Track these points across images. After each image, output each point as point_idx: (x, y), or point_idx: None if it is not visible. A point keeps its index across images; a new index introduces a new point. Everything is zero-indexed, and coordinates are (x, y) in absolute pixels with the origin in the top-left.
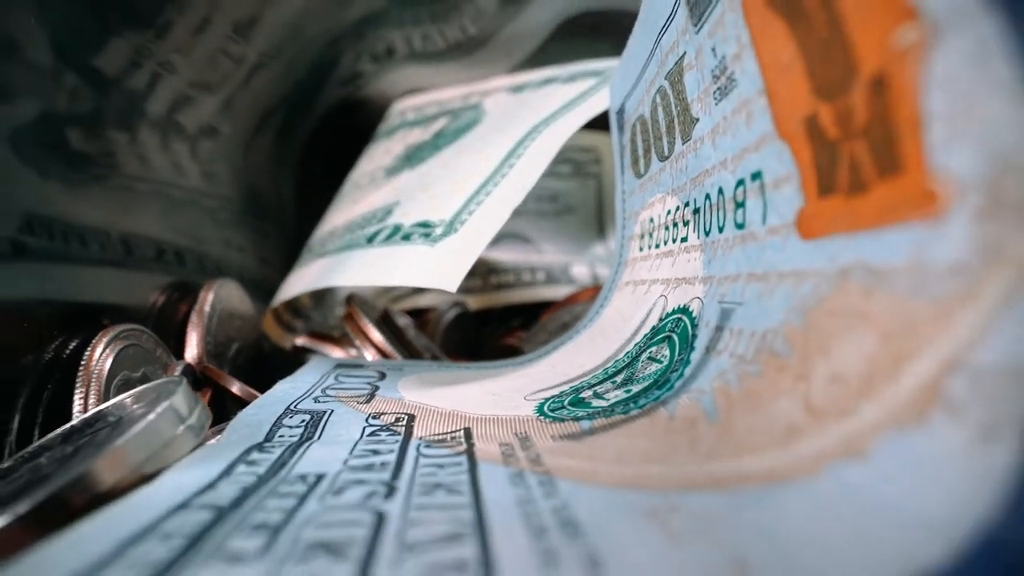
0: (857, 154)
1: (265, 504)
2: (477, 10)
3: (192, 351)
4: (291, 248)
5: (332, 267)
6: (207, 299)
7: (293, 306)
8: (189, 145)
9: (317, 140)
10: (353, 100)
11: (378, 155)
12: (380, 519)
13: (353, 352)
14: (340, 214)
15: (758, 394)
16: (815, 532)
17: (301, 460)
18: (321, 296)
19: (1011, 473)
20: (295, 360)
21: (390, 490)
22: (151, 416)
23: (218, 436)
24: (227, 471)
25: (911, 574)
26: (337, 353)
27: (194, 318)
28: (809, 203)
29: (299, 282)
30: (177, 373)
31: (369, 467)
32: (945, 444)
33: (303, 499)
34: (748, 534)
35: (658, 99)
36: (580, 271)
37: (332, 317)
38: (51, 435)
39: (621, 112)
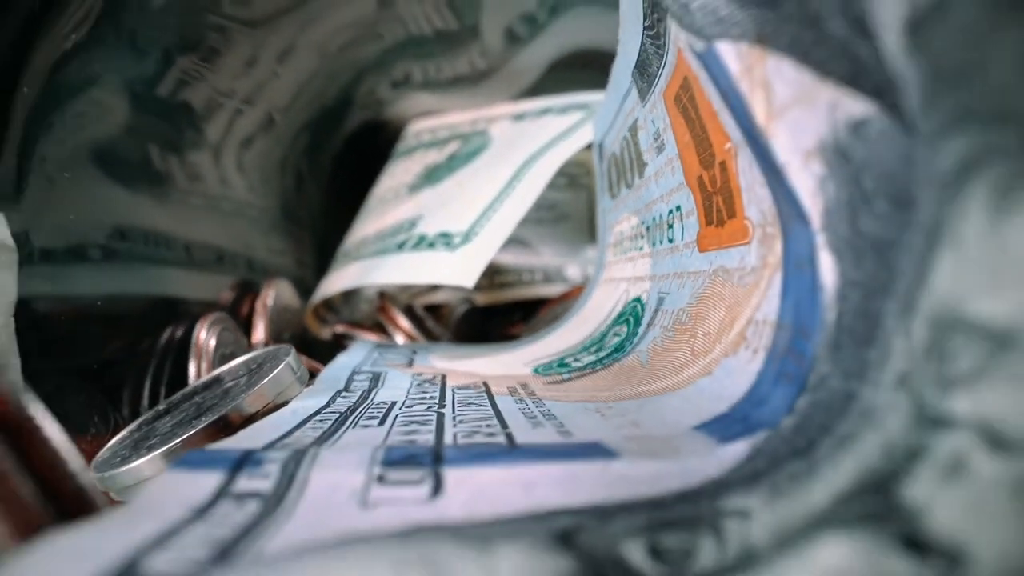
0: (719, 203)
1: (367, 411)
2: (484, 48)
3: (259, 335)
4: (321, 252)
5: (369, 269)
6: (269, 294)
7: (327, 303)
8: (236, 162)
9: (342, 156)
10: (373, 121)
11: (399, 173)
12: (440, 415)
13: (384, 337)
14: (370, 224)
15: (670, 348)
16: (676, 408)
17: (376, 396)
18: (350, 294)
19: (759, 372)
20: (333, 346)
21: (441, 405)
22: (278, 368)
23: (308, 387)
24: (331, 400)
25: (709, 415)
26: (371, 338)
27: (259, 309)
28: (702, 229)
29: (339, 281)
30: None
31: (422, 398)
32: (740, 362)
33: (389, 410)
34: (642, 412)
35: (624, 144)
36: (573, 272)
37: (358, 312)
38: (188, 388)
39: (601, 146)
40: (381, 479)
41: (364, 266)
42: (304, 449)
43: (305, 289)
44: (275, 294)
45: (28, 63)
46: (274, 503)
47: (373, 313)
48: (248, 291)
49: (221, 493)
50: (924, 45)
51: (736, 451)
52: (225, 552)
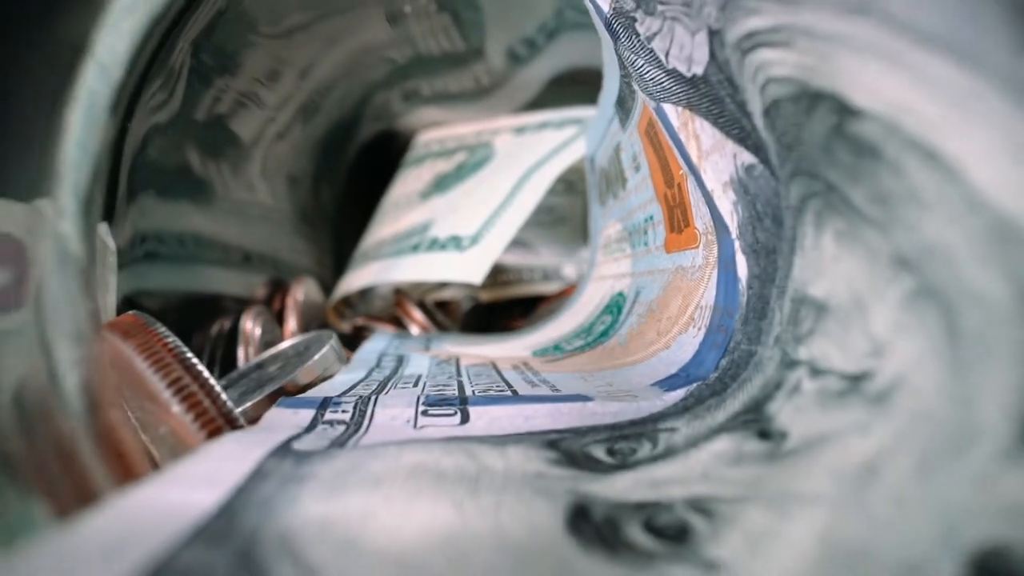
0: (678, 215)
1: (400, 380)
2: (488, 67)
3: (291, 326)
4: (338, 253)
5: (387, 268)
6: (299, 291)
7: (346, 299)
8: (261, 170)
9: (356, 164)
10: (385, 132)
11: (410, 180)
12: (459, 382)
13: (400, 330)
14: (385, 228)
15: (642, 331)
16: (640, 373)
17: (404, 371)
18: (365, 292)
19: (700, 343)
20: (353, 337)
21: (458, 376)
22: (325, 348)
23: (346, 366)
24: (368, 374)
25: (663, 376)
26: (389, 330)
27: (290, 304)
28: (667, 235)
29: (358, 279)
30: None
31: (443, 372)
32: (689, 337)
33: (417, 379)
34: (616, 377)
35: (610, 160)
36: (569, 270)
37: (372, 307)
38: (242, 369)
39: (592, 160)
40: (425, 413)
41: (382, 265)
42: (367, 396)
43: (324, 286)
44: (303, 290)
45: (136, 109)
46: (354, 427)
47: (386, 308)
48: (279, 288)
49: (316, 419)
50: (772, 125)
51: (676, 396)
52: (335, 442)
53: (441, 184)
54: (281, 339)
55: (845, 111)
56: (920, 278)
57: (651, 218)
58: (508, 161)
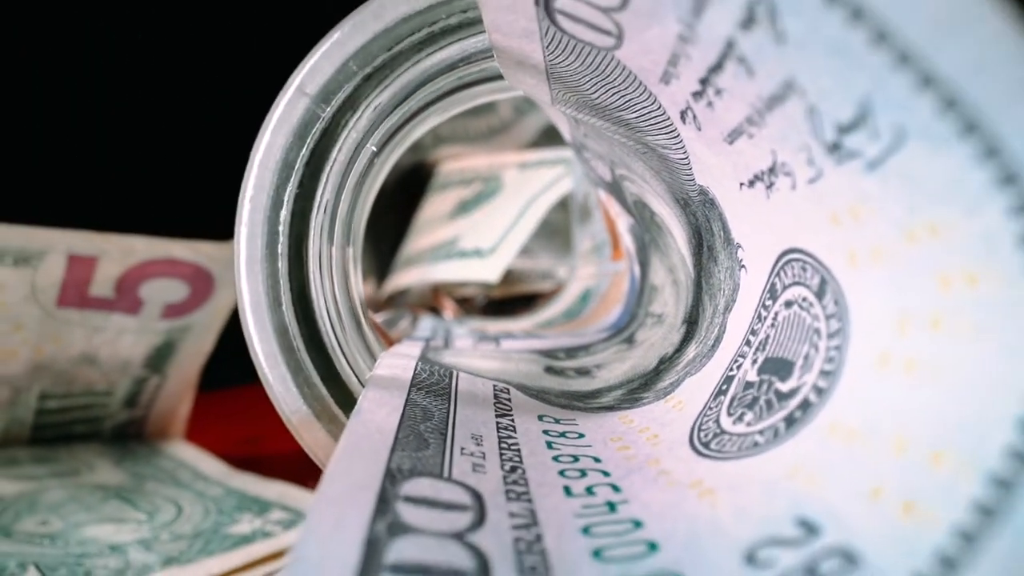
0: (615, 240)
1: (456, 340)
2: (498, 116)
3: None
4: (378, 260)
5: (426, 271)
6: (364, 287)
7: (388, 296)
8: None
9: (391, 188)
10: (413, 163)
11: (436, 203)
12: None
13: (436, 315)
14: (421, 240)
15: (597, 309)
16: (591, 328)
17: (454, 334)
18: (403, 291)
19: (620, 312)
20: None
21: (494, 336)
22: (405, 321)
23: (416, 331)
24: (432, 335)
25: (601, 327)
26: (428, 315)
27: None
28: (612, 251)
29: (404, 279)
30: None
31: (480, 333)
32: (618, 308)
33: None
34: (577, 331)
35: (585, 198)
36: (561, 272)
37: (407, 300)
38: None
39: (575, 195)
40: (479, 340)
41: (423, 269)
42: (445, 337)
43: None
44: (365, 287)
45: None
46: (445, 347)
47: (418, 301)
48: None
49: (427, 344)
50: (635, 210)
51: (603, 335)
52: (441, 349)
53: (464, 208)
54: None
55: (651, 212)
56: (673, 276)
57: (605, 239)
58: (515, 192)
